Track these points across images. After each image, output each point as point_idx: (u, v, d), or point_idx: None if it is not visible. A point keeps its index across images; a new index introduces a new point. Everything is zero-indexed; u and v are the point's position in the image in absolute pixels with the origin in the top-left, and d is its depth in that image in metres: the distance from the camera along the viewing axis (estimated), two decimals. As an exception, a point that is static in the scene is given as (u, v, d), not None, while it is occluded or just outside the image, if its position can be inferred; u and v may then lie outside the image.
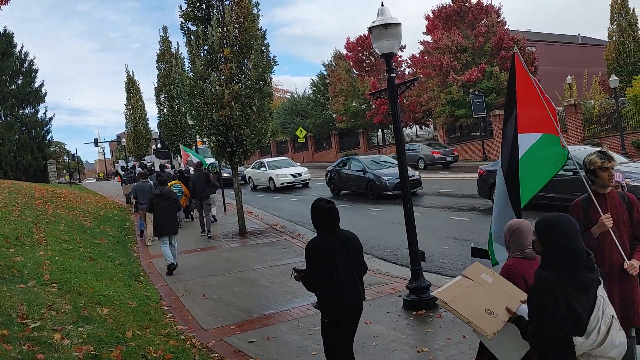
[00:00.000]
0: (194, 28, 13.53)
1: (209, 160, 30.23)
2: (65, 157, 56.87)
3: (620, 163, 13.50)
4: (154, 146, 39.94)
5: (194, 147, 24.82)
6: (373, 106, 41.03)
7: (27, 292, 6.52)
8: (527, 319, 3.05)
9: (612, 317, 2.83)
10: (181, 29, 13.74)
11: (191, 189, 15.02)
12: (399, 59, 42.80)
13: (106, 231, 14.61)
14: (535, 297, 2.87)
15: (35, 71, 34.81)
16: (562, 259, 2.83)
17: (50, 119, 35.32)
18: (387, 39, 7.11)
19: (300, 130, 43.22)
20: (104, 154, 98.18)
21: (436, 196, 18.24)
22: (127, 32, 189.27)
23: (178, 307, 8.36)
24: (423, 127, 45.96)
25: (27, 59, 34.71)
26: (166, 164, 31.58)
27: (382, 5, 7.18)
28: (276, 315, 7.56)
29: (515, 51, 5.34)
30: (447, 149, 31.73)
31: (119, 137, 79.30)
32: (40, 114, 34.80)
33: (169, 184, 13.72)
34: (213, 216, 16.18)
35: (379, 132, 46.02)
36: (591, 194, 4.34)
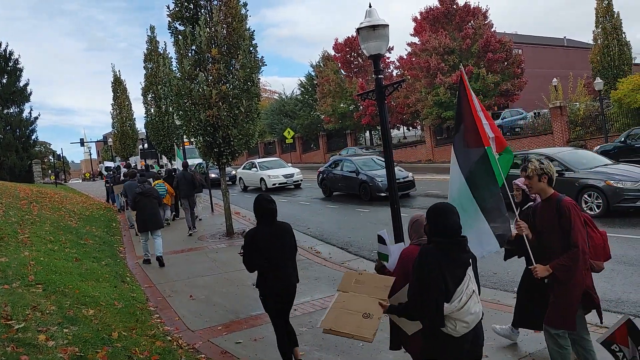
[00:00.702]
0: (181, 28, 13.46)
1: (197, 161, 30.16)
2: (50, 157, 56.33)
3: (605, 165, 13.65)
4: (140, 146, 39.69)
5: (181, 147, 24.63)
6: (361, 107, 41.14)
7: (11, 293, 6.46)
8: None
9: (473, 291, 3.52)
10: (169, 29, 13.66)
11: (175, 188, 15.77)
12: (387, 60, 42.96)
13: (92, 232, 14.50)
14: (417, 269, 3.52)
15: (20, 70, 34.49)
16: (437, 234, 3.54)
17: (36, 118, 35.03)
18: (375, 40, 7.14)
19: (288, 131, 43.22)
20: (90, 154, 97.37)
21: (423, 197, 18.32)
22: (115, 31, 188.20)
23: (165, 308, 8.32)
24: (410, 128, 46.15)
25: (12, 57, 34.37)
26: (152, 164, 31.44)
27: (370, 6, 7.21)
28: (263, 315, 7.51)
29: (460, 69, 5.77)
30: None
31: (105, 137, 78.75)
32: (25, 114, 34.49)
33: (153, 183, 14.39)
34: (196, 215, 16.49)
35: (367, 133, 46.14)
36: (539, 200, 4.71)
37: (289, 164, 31.00)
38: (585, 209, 12.33)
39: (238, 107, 13.10)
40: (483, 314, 3.67)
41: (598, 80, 28.35)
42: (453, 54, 34.93)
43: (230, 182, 30.65)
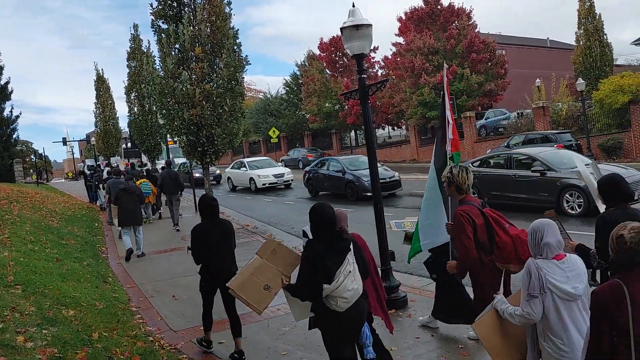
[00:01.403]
0: (165, 26, 13.39)
1: (180, 161, 29.98)
2: (32, 157, 55.63)
3: (586, 165, 13.78)
4: (124, 145, 39.37)
5: (164, 146, 24.52)
6: (346, 107, 41.16)
7: (-11, 294, 6.37)
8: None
9: (350, 272, 4.18)
10: (152, 27, 13.60)
11: (159, 186, 16.12)
12: (372, 60, 43.03)
13: (74, 232, 14.35)
14: (304, 258, 4.24)
15: (1, 68, 33.98)
16: (318, 229, 4.25)
17: (17, 117, 34.43)
18: (358, 39, 7.15)
19: (273, 131, 43.10)
20: (73, 154, 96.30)
21: (409, 197, 18.40)
22: (99, 29, 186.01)
23: (147, 308, 8.26)
24: (395, 128, 46.28)
25: (-7, 55, 33.90)
26: (138, 164, 31.23)
27: (354, 6, 7.22)
28: (246, 315, 7.49)
29: (444, 68, 6.29)
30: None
31: (88, 136, 77.96)
32: (6, 112, 33.90)
33: (138, 182, 14.73)
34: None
35: (352, 133, 46.19)
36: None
37: (279, 163, 30.79)
38: (566, 208, 12.47)
39: (222, 106, 13.06)
40: (365, 292, 4.43)
41: (580, 80, 28.65)
42: (437, 54, 35.08)
43: (214, 182, 30.50)
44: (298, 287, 4.33)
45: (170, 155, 20.92)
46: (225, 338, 6.66)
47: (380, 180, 18.97)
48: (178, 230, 14.96)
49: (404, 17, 38.62)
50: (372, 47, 43.37)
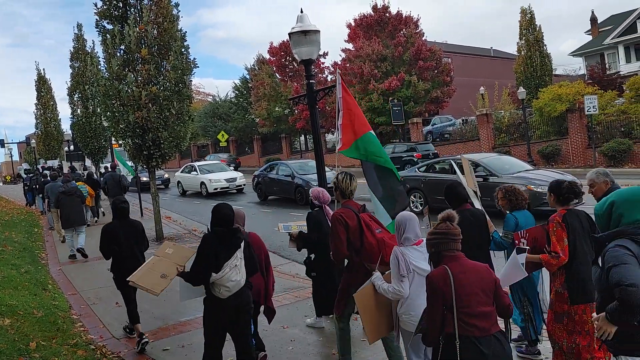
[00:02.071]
0: (110, 27, 13.07)
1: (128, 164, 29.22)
2: (-33, 159, 53.01)
3: (526, 170, 14.30)
4: (66, 148, 38.06)
5: (109, 150, 23.89)
6: (296, 111, 41.22)
7: None
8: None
9: (236, 265, 4.75)
10: (96, 27, 13.22)
11: (104, 188, 16.82)
12: (321, 65, 43.29)
13: (11, 237, 13.79)
14: (199, 248, 4.76)
15: None
16: (215, 225, 4.79)
17: (-49, 117, 32.89)
18: (307, 45, 7.21)
19: (222, 134, 42.68)
20: (12, 156, 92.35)
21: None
22: (40, 28, 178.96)
23: (88, 316, 8.03)
24: (345, 133, 46.66)
25: None
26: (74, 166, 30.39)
27: (302, 12, 7.27)
28: (192, 321, 7.42)
29: (339, 72, 6.89)
30: None
31: (28, 138, 74.97)
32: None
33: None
34: None
35: (302, 138, 46.27)
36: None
37: (231, 167, 30.34)
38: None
39: (169, 109, 12.84)
40: (250, 284, 4.99)
41: (521, 89, 29.73)
42: (386, 61, 35.64)
43: (162, 186, 29.86)
44: (190, 274, 4.89)
45: (122, 160, 20.55)
46: (171, 345, 6.56)
47: (330, 185, 19.02)
48: None
49: (353, 24, 39.07)
50: (322, 53, 43.27)
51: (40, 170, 26.31)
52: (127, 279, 5.40)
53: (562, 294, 4.56)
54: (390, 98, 33.86)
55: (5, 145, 64.65)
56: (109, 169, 18.82)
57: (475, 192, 5.83)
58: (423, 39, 37.02)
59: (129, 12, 12.87)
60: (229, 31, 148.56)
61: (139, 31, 12.45)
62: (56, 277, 10.70)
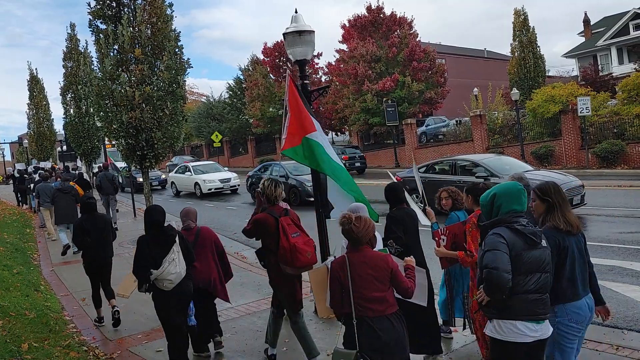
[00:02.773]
0: (103, 26, 12.99)
1: (121, 164, 29.10)
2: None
3: (526, 171, 14.08)
4: (59, 148, 37.87)
5: (102, 150, 23.77)
6: (290, 112, 41.18)
7: None
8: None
9: (174, 259, 5.28)
10: (89, 27, 13.13)
11: (98, 187, 17.26)
12: (316, 66, 43.32)
13: (3, 238, 13.70)
14: (136, 249, 5.36)
15: None
16: (148, 227, 5.40)
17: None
18: (301, 45, 7.19)
19: (216, 135, 42.61)
20: (4, 156, 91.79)
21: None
22: (34, 28, 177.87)
23: (81, 317, 7.99)
24: (339, 133, 46.71)
25: None
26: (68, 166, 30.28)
27: (296, 12, 7.25)
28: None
29: (288, 74, 6.92)
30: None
31: (20, 138, 74.58)
32: None
33: None
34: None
35: (296, 138, 46.18)
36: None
37: (226, 168, 30.24)
38: None
39: (162, 109, 12.77)
40: (190, 274, 5.52)
41: (515, 90, 29.82)
42: (380, 61, 35.69)
43: (159, 187, 29.77)
44: (135, 272, 5.41)
45: (110, 159, 20.72)
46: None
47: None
48: (116, 229, 14.79)
49: (347, 25, 39.10)
50: (316, 53, 43.27)
51: (33, 171, 26.30)
52: (117, 292, 6.88)
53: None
54: (384, 99, 33.90)
55: (-2, 145, 64.12)
56: (102, 169, 18.99)
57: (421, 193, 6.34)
58: (417, 40, 37.07)
59: (122, 12, 12.80)
60: (224, 32, 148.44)
61: (132, 31, 12.40)
62: (48, 278, 10.64)
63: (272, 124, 43.49)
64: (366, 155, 36.50)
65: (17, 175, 26.59)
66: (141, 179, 22.09)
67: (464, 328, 5.88)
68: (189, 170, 26.40)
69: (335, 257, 4.57)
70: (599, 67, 43.05)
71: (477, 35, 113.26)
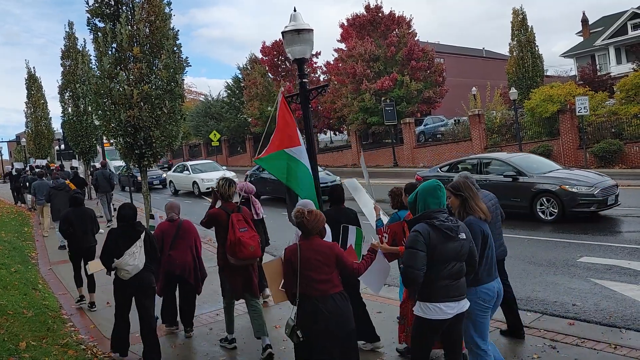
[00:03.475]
0: (101, 25, 12.96)
1: (117, 163, 29.06)
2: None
3: (558, 170, 13.44)
4: (57, 147, 37.77)
5: (100, 148, 23.71)
6: (288, 111, 41.14)
7: None
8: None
9: (134, 252, 5.84)
10: (88, 25, 13.09)
11: (95, 184, 18.01)
12: (314, 65, 43.29)
13: (1, 236, 13.69)
14: (105, 240, 6.02)
15: None
16: (119, 220, 6.06)
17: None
18: (300, 44, 7.17)
19: (215, 134, 42.58)
20: (2, 155, 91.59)
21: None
22: (31, 26, 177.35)
23: (79, 316, 7.99)
24: (337, 133, 46.70)
25: None
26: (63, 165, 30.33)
27: (295, 10, 7.24)
28: (181, 323, 7.38)
29: (282, 91, 7.05)
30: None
31: (18, 136, 74.48)
32: None
33: None
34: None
35: (294, 137, 46.14)
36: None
37: (224, 167, 30.16)
38: (540, 214, 12.34)
39: (161, 108, 12.74)
40: (151, 268, 6.02)
41: (513, 90, 29.84)
42: (378, 60, 35.67)
43: (160, 186, 29.76)
44: (102, 259, 6.06)
45: (106, 157, 21.00)
46: (163, 345, 6.51)
47: (322, 185, 18.80)
48: (109, 226, 15.22)
49: (346, 24, 39.07)
50: (314, 52, 43.35)
51: (30, 170, 26.40)
52: (88, 270, 7.98)
53: None
54: (383, 98, 33.89)
55: (-5, 144, 64.03)
56: (99, 167, 19.64)
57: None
58: (415, 39, 37.06)
59: (120, 10, 12.76)
60: (223, 31, 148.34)
61: (131, 29, 12.37)
62: (46, 277, 10.63)
63: (271, 123, 43.42)
64: (364, 155, 36.51)
65: (14, 173, 26.65)
66: (140, 177, 22.18)
67: None
68: (187, 169, 26.34)
69: None
70: (597, 66, 43.10)
71: (475, 35, 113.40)
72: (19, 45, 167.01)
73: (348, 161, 38.14)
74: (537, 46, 36.12)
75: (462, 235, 4.10)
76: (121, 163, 24.58)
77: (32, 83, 34.49)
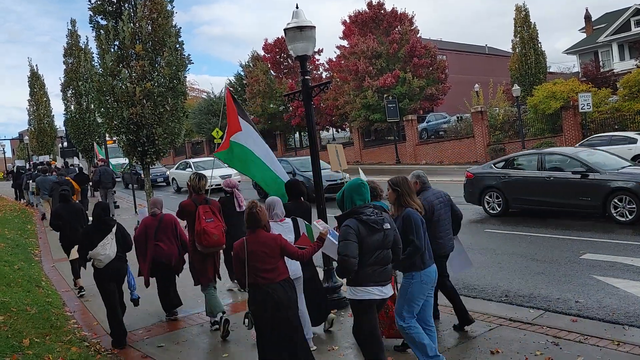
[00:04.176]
0: (103, 22, 12.97)
1: (121, 161, 29.07)
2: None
3: (630, 165, 12.31)
4: (60, 145, 37.81)
5: (102, 146, 23.70)
6: (290, 108, 41.14)
7: None
8: None
9: (106, 244, 6.51)
10: (90, 23, 13.13)
11: (97, 181, 18.42)
12: (317, 62, 43.24)
13: (4, 234, 13.72)
14: (82, 234, 7.00)
15: None
16: (94, 218, 6.79)
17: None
18: (302, 41, 7.16)
19: (217, 131, 42.52)
20: (4, 153, 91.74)
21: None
22: (33, 24, 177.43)
23: (82, 313, 8.01)
24: (339, 130, 46.64)
25: None
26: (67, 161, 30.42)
27: (297, 7, 7.23)
28: (186, 318, 7.41)
29: (226, 87, 7.96)
30: None
31: (21, 134, 74.57)
32: None
33: None
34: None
35: (296, 135, 46.20)
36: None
37: (226, 164, 30.14)
38: (615, 215, 11.12)
39: (163, 105, 12.78)
40: (123, 257, 6.81)
41: (516, 87, 29.76)
42: (380, 57, 35.60)
43: (164, 184, 29.76)
44: (79, 250, 6.79)
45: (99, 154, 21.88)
46: (165, 342, 6.55)
47: (331, 182, 18.67)
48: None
49: (348, 21, 38.99)
50: (316, 49, 43.33)
51: (33, 167, 26.61)
52: (70, 258, 9.04)
53: None
54: (385, 95, 33.83)
55: (-2, 141, 64.19)
56: (102, 164, 20.29)
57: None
58: (418, 36, 36.98)
59: (123, 8, 12.78)
60: (224, 28, 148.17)
61: (133, 27, 12.37)
62: (49, 274, 10.66)
63: (273, 120, 43.45)
64: (366, 152, 36.56)
65: (15, 171, 26.82)
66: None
67: None
68: (190, 167, 26.33)
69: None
70: (600, 63, 42.93)
71: (478, 32, 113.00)
72: (20, 43, 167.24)
73: (350, 158, 38.05)
74: (539, 43, 35.96)
75: (387, 225, 4.57)
76: (124, 160, 24.53)
77: (35, 81, 34.54)
